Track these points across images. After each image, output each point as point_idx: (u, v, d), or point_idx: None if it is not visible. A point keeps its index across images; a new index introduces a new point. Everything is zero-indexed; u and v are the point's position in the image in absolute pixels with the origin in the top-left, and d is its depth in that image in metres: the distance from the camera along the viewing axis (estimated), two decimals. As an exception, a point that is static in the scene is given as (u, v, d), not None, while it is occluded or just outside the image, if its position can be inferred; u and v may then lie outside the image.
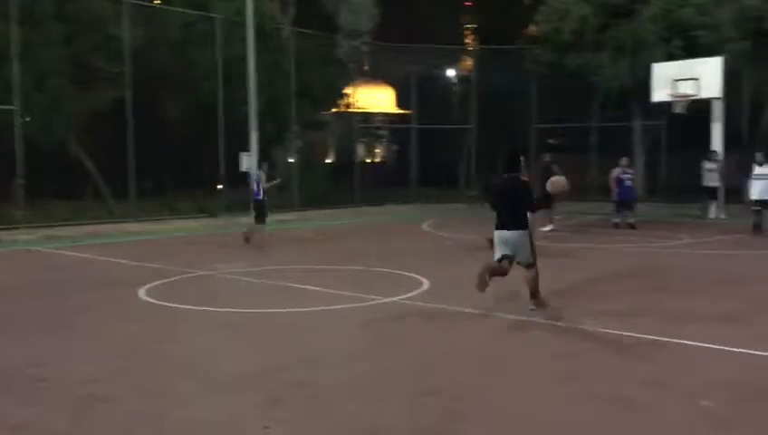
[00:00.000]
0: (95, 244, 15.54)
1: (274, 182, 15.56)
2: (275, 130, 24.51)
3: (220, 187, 22.69)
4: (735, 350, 6.22)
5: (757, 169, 15.93)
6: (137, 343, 6.79)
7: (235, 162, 21.22)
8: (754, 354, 6.08)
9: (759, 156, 16.13)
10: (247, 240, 14.35)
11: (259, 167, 15.61)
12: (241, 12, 20.81)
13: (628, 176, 17.58)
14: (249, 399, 5.13)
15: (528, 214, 8.01)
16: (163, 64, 22.68)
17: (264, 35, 22.73)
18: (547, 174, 15.53)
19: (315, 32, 24.76)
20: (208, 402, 5.08)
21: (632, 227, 16.92)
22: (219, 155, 21.87)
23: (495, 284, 9.39)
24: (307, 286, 9.54)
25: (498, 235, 7.88)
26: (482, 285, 7.51)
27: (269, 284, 10.05)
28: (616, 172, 17.52)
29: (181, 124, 25.53)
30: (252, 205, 14.70)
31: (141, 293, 9.23)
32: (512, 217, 7.79)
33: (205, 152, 23.89)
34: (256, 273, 10.89)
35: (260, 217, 14.42)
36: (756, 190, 15.81)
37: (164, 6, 23.53)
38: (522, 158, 8.23)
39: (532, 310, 7.79)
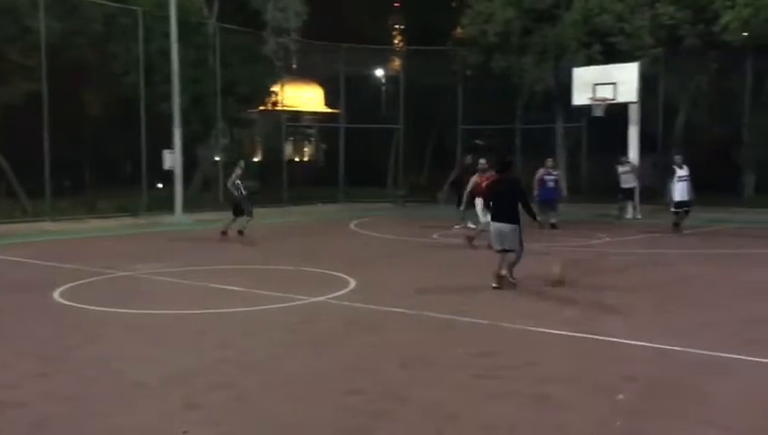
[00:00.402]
0: (7, 244, 14.85)
1: (237, 181, 15.53)
2: (201, 128, 24.05)
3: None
4: (644, 344, 6.46)
5: (679, 172, 16.38)
6: (50, 347, 6.52)
7: (158, 160, 20.69)
8: (660, 348, 6.33)
9: (678, 159, 16.66)
10: (240, 233, 15.05)
11: (237, 165, 16.04)
12: (163, 5, 20.30)
13: (551, 177, 17.98)
14: (167, 402, 5.00)
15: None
16: (82, 58, 21.92)
17: (189, 30, 22.26)
18: (468, 173, 15.85)
19: (241, 28, 24.41)
20: (125, 407, 4.93)
21: (554, 226, 17.29)
22: (142, 152, 21.28)
23: (420, 282, 9.47)
24: (231, 287, 9.38)
25: (495, 226, 9.38)
26: (500, 280, 9.12)
27: (191, 284, 9.83)
28: (540, 173, 17.95)
29: (101, 120, 24.74)
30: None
31: (56, 295, 8.88)
32: (507, 212, 9.24)
33: (126, 150, 23.23)
34: (178, 273, 10.64)
35: (238, 211, 15.24)
36: (678, 193, 16.36)
37: (83, -3, 22.75)
38: (511, 161, 10.01)
39: (512, 282, 9.28)
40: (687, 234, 15.96)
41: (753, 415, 4.77)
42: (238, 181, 15.30)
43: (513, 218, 9.23)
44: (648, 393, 5.22)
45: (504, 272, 9.26)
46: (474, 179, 14.33)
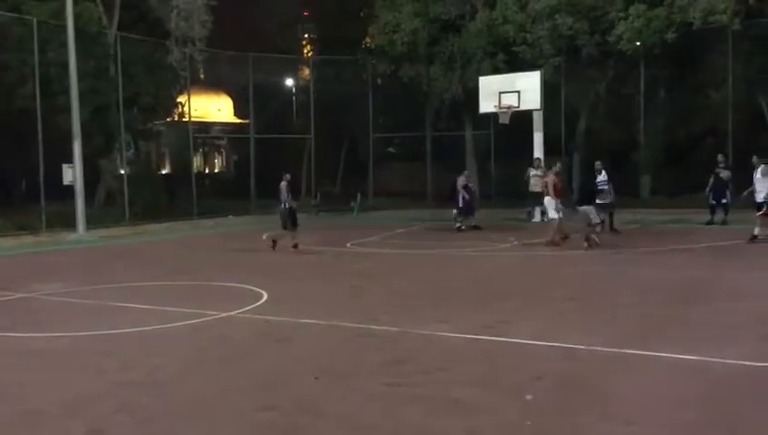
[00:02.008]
0: None
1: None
2: (103, 141, 23.17)
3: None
4: (551, 344, 6.64)
5: (599, 178, 16.76)
6: (-64, 379, 6.09)
7: (57, 175, 19.79)
8: (566, 347, 6.52)
9: (598, 164, 17.23)
10: (274, 244, 14.85)
11: (283, 178, 15.61)
12: (60, 14, 19.47)
13: (472, 184, 19.13)
14: (69, 430, 4.77)
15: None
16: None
17: (87, 40, 21.45)
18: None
19: (144, 37, 23.71)
20: (20, 438, 4.65)
21: (478, 228, 18.40)
22: (39, 167, 20.27)
23: (333, 292, 9.44)
24: (137, 305, 9.05)
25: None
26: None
27: (94, 304, 9.41)
28: (461, 181, 18.89)
29: (-6, 133, 23.47)
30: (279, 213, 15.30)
31: (-56, 321, 8.32)
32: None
33: (23, 164, 22.08)
34: (80, 293, 10.18)
35: (288, 225, 14.96)
36: (599, 197, 16.92)
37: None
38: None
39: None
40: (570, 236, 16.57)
41: (653, 408, 4.98)
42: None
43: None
44: (555, 392, 5.36)
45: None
46: (552, 180, 15.36)
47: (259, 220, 24.20)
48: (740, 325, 7.32)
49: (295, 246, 14.74)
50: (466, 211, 18.75)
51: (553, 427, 4.67)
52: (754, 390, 5.35)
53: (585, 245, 13.96)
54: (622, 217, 18.29)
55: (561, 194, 15.21)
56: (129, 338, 7.50)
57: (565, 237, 14.84)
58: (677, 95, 26.65)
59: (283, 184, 15.18)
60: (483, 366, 6.08)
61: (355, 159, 32.84)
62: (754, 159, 15.15)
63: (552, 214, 15.29)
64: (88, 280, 11.40)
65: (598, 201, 14.93)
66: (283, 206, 15.04)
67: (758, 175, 14.69)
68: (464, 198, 18.71)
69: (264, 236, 16.22)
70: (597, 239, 14.23)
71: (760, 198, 14.54)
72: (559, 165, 16.31)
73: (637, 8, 23.10)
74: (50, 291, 10.39)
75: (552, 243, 14.71)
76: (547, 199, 15.52)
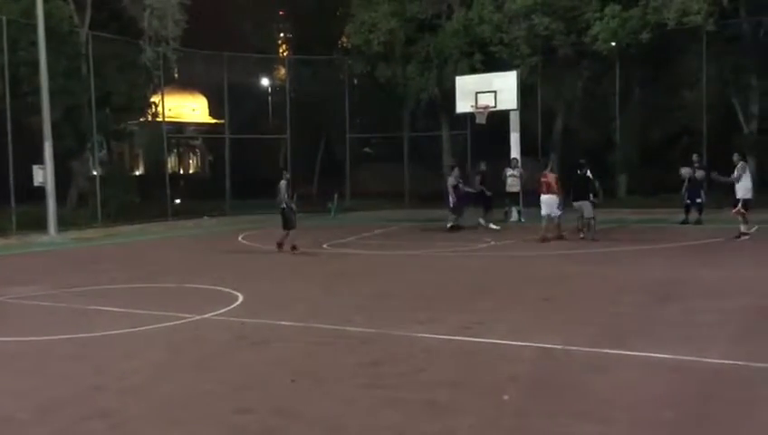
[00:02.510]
0: None
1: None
2: (74, 141, 22.84)
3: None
4: (527, 344, 6.64)
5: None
6: None
7: (27, 176, 19.45)
8: (542, 347, 6.52)
9: (582, 162, 17.55)
10: (280, 247, 14.54)
11: (282, 177, 15.26)
12: (30, 13, 19.15)
13: (461, 185, 19.04)
14: (36, 437, 4.64)
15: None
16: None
17: (58, 39, 21.12)
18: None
19: (116, 36, 23.40)
20: (-14, 446, 4.53)
21: (457, 228, 18.42)
22: (9, 168, 19.90)
23: (309, 294, 9.38)
24: (109, 308, 8.90)
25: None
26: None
27: (65, 307, 9.24)
28: (450, 181, 18.97)
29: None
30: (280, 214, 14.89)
31: None
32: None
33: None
34: (51, 296, 9.98)
35: (286, 225, 14.64)
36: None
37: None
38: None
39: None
40: (565, 235, 16.66)
41: (629, 407, 4.98)
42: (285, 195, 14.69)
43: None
44: (531, 392, 5.35)
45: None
46: (554, 179, 15.82)
47: (234, 221, 24.07)
48: (715, 324, 7.37)
49: (294, 248, 14.42)
50: (455, 210, 18.72)
51: (529, 427, 4.66)
52: (730, 388, 5.38)
53: (581, 235, 15.23)
54: (599, 217, 18.49)
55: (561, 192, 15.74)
56: (101, 342, 7.36)
57: (560, 237, 15.26)
58: (652, 95, 26.97)
59: (283, 183, 14.83)
60: (459, 367, 6.06)
61: (332, 159, 32.74)
62: (735, 156, 15.35)
63: (556, 211, 15.55)
64: (59, 283, 11.20)
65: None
66: (285, 206, 14.64)
67: (736, 173, 14.90)
68: (454, 198, 18.72)
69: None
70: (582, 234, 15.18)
71: (739, 194, 14.78)
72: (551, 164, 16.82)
73: (612, 9, 23.31)
74: (20, 294, 10.18)
75: (544, 239, 15.05)
76: (548, 198, 15.62)
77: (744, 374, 5.68)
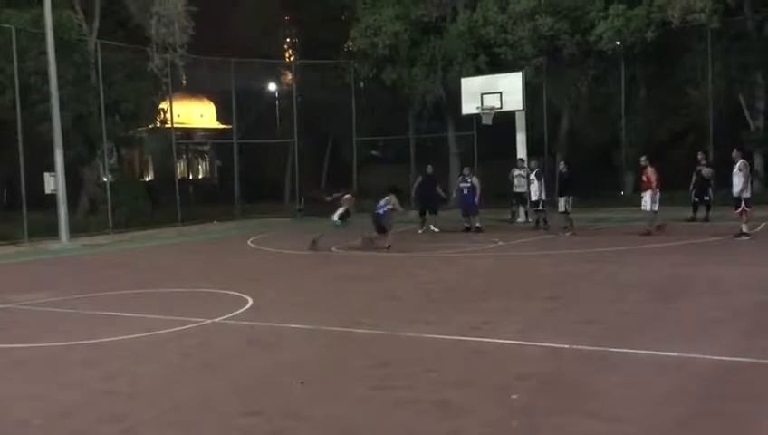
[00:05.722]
0: None
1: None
2: (84, 148, 23.01)
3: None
4: (535, 344, 6.69)
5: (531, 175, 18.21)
6: None
7: (39, 183, 19.62)
8: (550, 346, 6.55)
9: (533, 163, 18.70)
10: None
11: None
12: (39, 22, 19.32)
13: (466, 184, 18.84)
14: (51, 441, 4.71)
15: None
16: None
17: (67, 47, 21.30)
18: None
19: (124, 44, 23.57)
20: (2, 451, 4.61)
21: (479, 229, 18.26)
22: (20, 176, 20.08)
23: (318, 296, 9.42)
24: (121, 313, 8.98)
25: None
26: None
27: (77, 313, 9.33)
28: (459, 183, 19.23)
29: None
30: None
31: (-75, 334, 8.21)
32: None
33: (4, 174, 21.88)
34: (63, 302, 10.08)
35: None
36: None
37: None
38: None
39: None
40: (570, 235, 16.67)
41: (637, 405, 5.01)
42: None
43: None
44: (540, 391, 5.39)
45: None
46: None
47: (243, 226, 24.15)
48: (721, 321, 7.38)
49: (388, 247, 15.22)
50: (466, 211, 18.81)
51: (539, 426, 4.69)
52: (737, 385, 5.40)
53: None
54: (603, 215, 18.63)
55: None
56: (112, 347, 7.44)
57: (659, 228, 16.04)
58: (658, 93, 26.89)
59: (392, 197, 15.90)
60: (468, 367, 6.10)
61: (339, 162, 32.79)
62: (735, 152, 15.31)
63: (652, 207, 16.17)
64: (71, 289, 11.30)
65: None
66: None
67: (735, 169, 14.84)
68: (461, 198, 18.90)
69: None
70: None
71: (735, 192, 14.69)
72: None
73: (616, 8, 23.30)
74: (33, 301, 10.29)
75: (647, 232, 15.71)
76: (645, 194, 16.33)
77: (753, 371, 5.70)
